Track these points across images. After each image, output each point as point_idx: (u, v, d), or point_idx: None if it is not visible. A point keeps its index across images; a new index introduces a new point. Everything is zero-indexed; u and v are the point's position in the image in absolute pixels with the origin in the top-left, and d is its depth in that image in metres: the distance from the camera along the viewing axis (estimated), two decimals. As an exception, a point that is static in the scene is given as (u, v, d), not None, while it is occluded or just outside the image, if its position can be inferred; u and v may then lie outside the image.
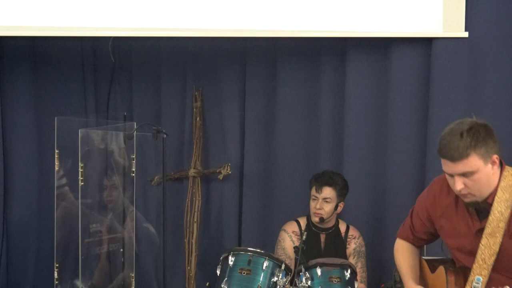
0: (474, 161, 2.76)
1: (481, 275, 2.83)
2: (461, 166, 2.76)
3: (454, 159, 2.76)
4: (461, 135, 2.76)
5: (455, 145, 2.75)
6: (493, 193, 2.84)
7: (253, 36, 4.45)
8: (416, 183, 4.37)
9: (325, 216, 4.20)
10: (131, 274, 4.51)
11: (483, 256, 2.84)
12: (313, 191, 4.23)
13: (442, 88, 4.24)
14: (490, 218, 2.84)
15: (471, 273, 2.87)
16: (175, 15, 4.32)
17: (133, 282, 4.48)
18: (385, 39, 4.38)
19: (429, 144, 4.28)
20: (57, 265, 4.46)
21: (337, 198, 4.22)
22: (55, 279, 4.47)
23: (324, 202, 4.20)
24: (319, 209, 4.20)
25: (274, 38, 4.54)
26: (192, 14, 4.32)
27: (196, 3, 4.32)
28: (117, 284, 4.60)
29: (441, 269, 3.04)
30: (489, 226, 2.83)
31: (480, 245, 2.85)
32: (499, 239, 2.82)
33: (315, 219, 4.23)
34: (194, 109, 4.76)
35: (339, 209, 4.26)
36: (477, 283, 2.83)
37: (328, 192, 4.19)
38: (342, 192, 4.24)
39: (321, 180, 4.21)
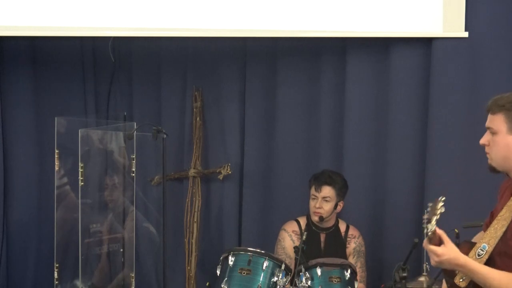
0: (498, 121, 2.77)
1: (488, 244, 2.80)
2: (489, 119, 2.81)
3: (486, 108, 2.82)
4: (503, 94, 2.81)
5: (493, 98, 2.82)
6: None
7: (253, 36, 4.45)
8: (416, 182, 4.37)
9: (324, 215, 4.20)
10: (131, 274, 4.51)
11: (496, 225, 2.81)
12: (313, 190, 4.23)
13: (442, 88, 4.24)
14: None
15: (481, 240, 2.83)
16: (175, 15, 4.32)
17: (133, 282, 4.49)
18: (385, 39, 4.38)
19: (429, 144, 4.28)
20: (57, 265, 4.46)
21: (336, 197, 4.22)
22: (55, 279, 4.46)
23: (323, 201, 4.20)
24: (319, 208, 4.20)
25: (274, 38, 4.54)
26: (192, 14, 4.32)
27: (196, 3, 4.32)
28: (117, 284, 4.60)
29: None
30: None
31: (498, 215, 2.82)
32: None
33: (315, 218, 4.23)
34: (194, 109, 4.75)
35: (339, 208, 4.26)
36: (482, 250, 2.80)
37: (327, 191, 4.20)
38: (342, 191, 4.24)
39: (320, 179, 4.21)
